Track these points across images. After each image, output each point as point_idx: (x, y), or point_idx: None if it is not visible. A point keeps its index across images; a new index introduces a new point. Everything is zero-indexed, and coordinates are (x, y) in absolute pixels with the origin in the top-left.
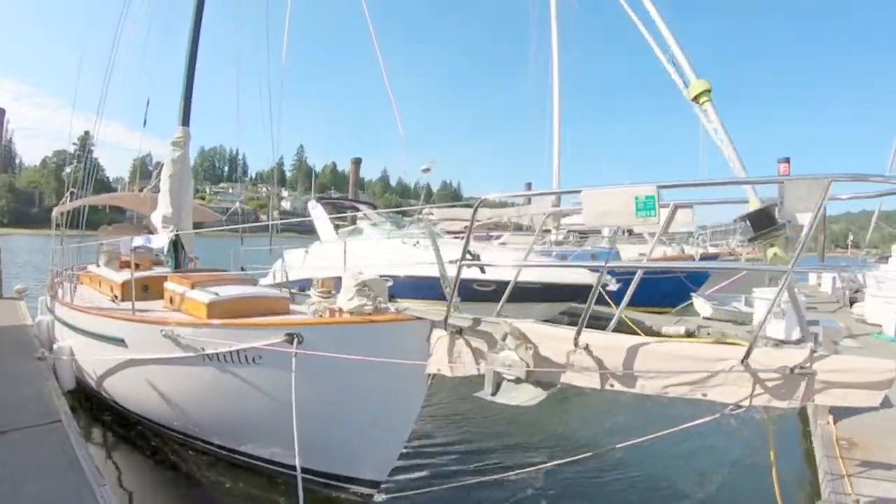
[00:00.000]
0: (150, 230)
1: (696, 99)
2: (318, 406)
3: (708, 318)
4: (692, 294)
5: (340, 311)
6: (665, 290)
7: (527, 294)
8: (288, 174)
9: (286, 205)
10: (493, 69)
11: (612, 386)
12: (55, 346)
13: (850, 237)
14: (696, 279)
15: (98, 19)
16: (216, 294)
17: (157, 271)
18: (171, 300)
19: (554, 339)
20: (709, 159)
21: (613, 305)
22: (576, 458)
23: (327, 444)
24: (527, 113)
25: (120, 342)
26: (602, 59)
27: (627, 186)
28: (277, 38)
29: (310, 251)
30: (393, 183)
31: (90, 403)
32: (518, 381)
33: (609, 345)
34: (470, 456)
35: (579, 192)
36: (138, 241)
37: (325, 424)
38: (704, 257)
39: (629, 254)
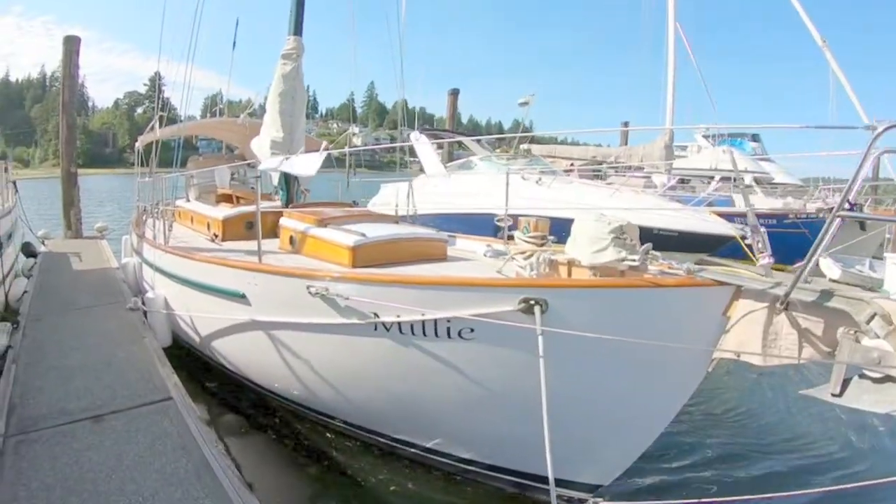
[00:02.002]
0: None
1: None
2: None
3: (835, 281)
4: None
5: (571, 264)
6: (790, 246)
7: (662, 243)
8: (359, 111)
9: (357, 141)
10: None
11: None
12: (147, 296)
13: None
14: None
15: None
16: (363, 234)
17: (264, 206)
18: (291, 241)
19: None
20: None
21: (754, 259)
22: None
23: (543, 440)
24: (620, 51)
25: (239, 297)
26: None
27: None
28: None
29: (414, 185)
30: (464, 121)
31: (190, 363)
32: (885, 380)
33: None
34: (713, 465)
35: None
36: (272, 163)
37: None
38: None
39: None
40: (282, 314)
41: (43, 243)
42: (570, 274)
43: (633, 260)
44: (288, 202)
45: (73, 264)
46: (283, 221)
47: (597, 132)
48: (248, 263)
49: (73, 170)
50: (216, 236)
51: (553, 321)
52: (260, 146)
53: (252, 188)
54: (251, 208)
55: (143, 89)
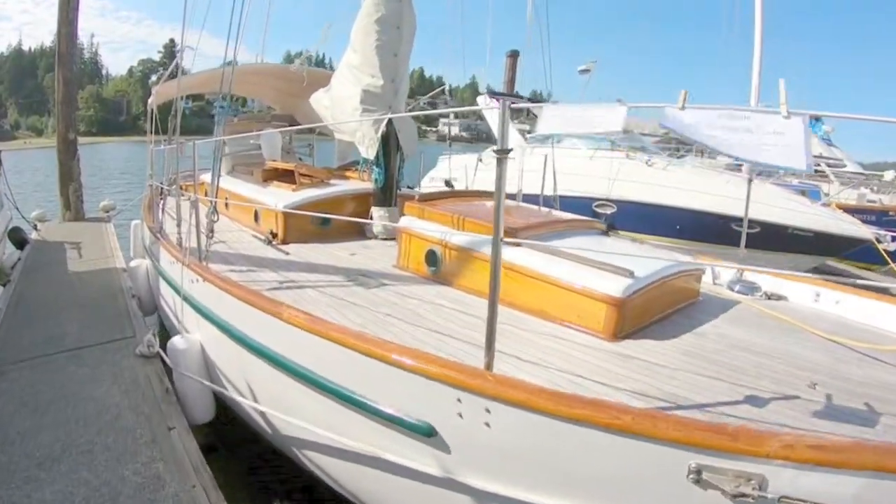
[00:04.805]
0: (295, 123)
1: None
2: None
3: None
4: None
5: None
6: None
7: (795, 243)
8: None
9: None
10: None
11: None
12: (173, 344)
13: None
14: None
15: None
16: (630, 274)
17: (341, 188)
18: (432, 260)
19: None
20: None
21: (893, 265)
22: None
23: None
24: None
25: (420, 434)
26: None
27: None
28: None
29: (484, 159)
30: (482, 90)
31: (249, 452)
32: None
33: None
34: None
35: None
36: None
37: None
38: None
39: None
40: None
41: (35, 228)
42: None
43: None
44: (387, 185)
45: (68, 261)
46: (408, 223)
47: (649, 107)
48: (462, 371)
49: (71, 136)
50: (274, 235)
51: None
52: (336, 100)
53: (300, 159)
54: (328, 192)
55: (157, 57)
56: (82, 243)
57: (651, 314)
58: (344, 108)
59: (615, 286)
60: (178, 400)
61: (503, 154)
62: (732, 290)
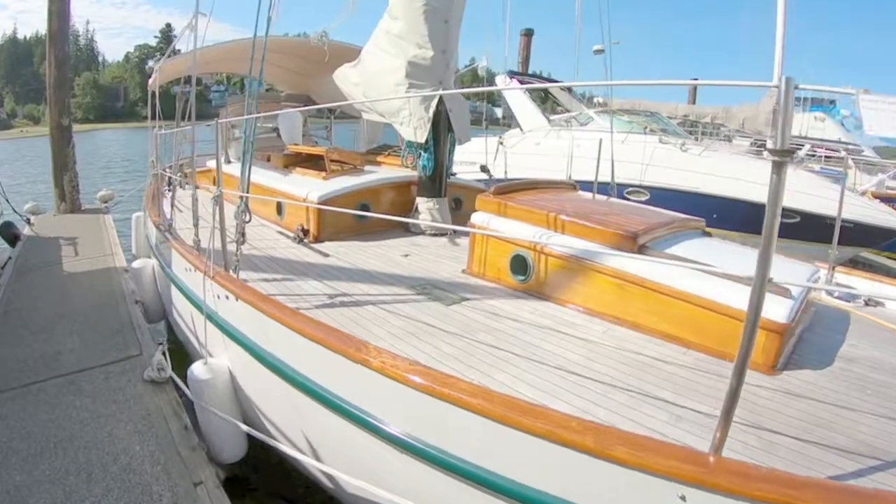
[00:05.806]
0: (311, 103)
1: None
2: None
3: None
4: None
5: None
6: None
7: (833, 232)
8: None
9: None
10: None
11: None
12: (193, 373)
13: None
14: None
15: None
16: (790, 294)
17: (379, 176)
18: (521, 267)
19: None
20: None
21: None
22: None
23: None
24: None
25: None
26: None
27: None
28: None
29: (505, 142)
30: (480, 71)
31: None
32: None
33: None
34: None
35: None
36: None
37: None
38: None
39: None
40: None
41: (29, 222)
42: None
43: None
44: (436, 172)
45: (63, 260)
46: (482, 218)
47: (661, 84)
48: (690, 460)
49: (65, 122)
50: (305, 232)
51: None
52: (371, 75)
53: (316, 143)
54: (365, 180)
55: (154, 42)
56: (79, 239)
57: (793, 335)
58: (381, 84)
59: (779, 310)
60: (201, 438)
61: (784, 156)
62: (832, 296)
